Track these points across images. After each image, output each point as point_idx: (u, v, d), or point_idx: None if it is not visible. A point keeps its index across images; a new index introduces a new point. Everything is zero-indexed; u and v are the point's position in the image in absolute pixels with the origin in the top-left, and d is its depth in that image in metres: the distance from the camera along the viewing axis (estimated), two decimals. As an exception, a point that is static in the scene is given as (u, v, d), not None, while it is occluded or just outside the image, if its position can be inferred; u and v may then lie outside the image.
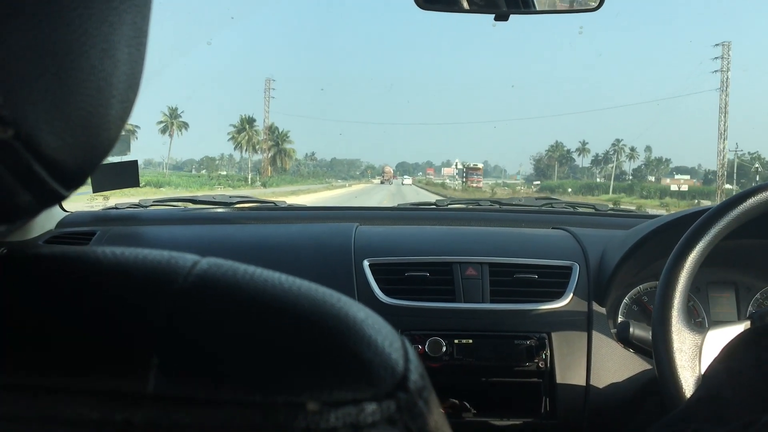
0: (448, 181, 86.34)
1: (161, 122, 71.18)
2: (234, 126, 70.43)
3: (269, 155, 69.84)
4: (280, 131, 71.38)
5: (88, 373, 0.27)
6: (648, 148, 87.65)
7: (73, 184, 0.32)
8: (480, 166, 73.07)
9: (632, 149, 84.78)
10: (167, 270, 0.31)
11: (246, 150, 70.10)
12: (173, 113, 71.29)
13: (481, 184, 63.84)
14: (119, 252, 0.32)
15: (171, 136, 71.07)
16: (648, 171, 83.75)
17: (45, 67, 0.26)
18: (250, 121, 69.73)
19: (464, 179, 54.17)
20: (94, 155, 0.32)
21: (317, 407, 0.26)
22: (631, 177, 79.36)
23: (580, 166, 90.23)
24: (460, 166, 65.78)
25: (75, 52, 0.27)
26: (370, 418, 0.27)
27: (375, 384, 0.28)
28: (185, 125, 71.57)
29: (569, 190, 57.49)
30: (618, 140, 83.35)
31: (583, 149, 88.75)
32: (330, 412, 0.26)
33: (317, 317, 0.29)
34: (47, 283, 0.30)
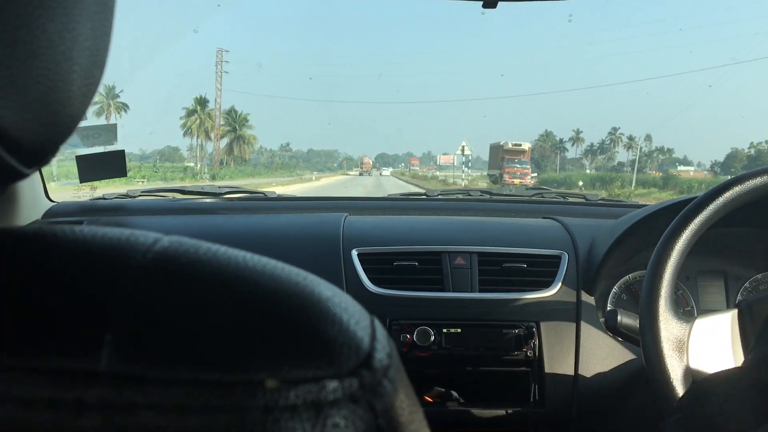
0: (438, 173, 67.24)
1: (96, 103, 56.37)
2: (186, 109, 58.62)
3: (221, 141, 57.48)
4: (238, 114, 60.70)
5: (40, 351, 0.26)
6: (648, 137, 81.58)
7: (34, 161, 0.31)
8: (526, 147, 38.83)
9: (630, 138, 77.95)
10: (126, 247, 0.30)
11: (198, 136, 57.73)
12: (110, 92, 57.05)
13: (528, 179, 35.59)
14: (78, 229, 0.31)
15: (108, 119, 56.26)
16: (649, 162, 77.77)
17: (0, 40, 0.26)
18: (203, 102, 57.60)
19: (499, 170, 35.46)
20: (56, 132, 0.31)
21: (276, 385, 0.26)
22: (629, 168, 70.65)
23: (575, 156, 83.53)
24: (468, 152, 40.06)
25: (32, 25, 0.27)
26: (332, 396, 0.27)
27: (337, 362, 0.27)
28: (125, 107, 58.79)
29: (580, 183, 42.49)
30: (615, 128, 78.89)
31: (577, 138, 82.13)
32: (289, 389, 0.26)
33: (279, 295, 0.29)
34: (1, 261, 0.29)
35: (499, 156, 36.88)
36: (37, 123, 0.29)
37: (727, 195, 1.04)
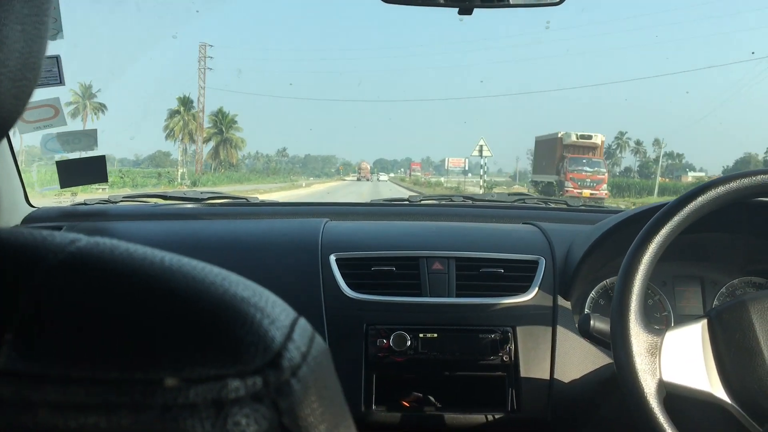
0: (442, 179, 60.68)
1: (71, 103, 49.35)
2: (170, 110, 53.31)
3: (207, 144, 52.37)
4: (225, 116, 55.66)
5: None
6: (657, 142, 75.55)
7: None
8: (599, 140, 26.72)
9: (638, 143, 72.14)
10: (40, 247, 0.30)
11: (181, 139, 52.23)
12: (86, 92, 50.99)
13: (603, 190, 23.96)
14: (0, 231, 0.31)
15: (84, 120, 51.29)
16: (658, 168, 70.91)
17: None
18: (187, 102, 51.87)
19: (555, 176, 25.24)
20: None
21: (175, 383, 0.26)
22: (636, 174, 66.00)
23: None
24: (487, 152, 25.87)
25: None
26: (233, 394, 0.26)
27: (241, 361, 0.27)
28: (102, 107, 53.14)
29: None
30: (622, 133, 73.16)
31: None
32: (190, 388, 0.26)
33: (189, 294, 0.29)
34: None
35: (556, 154, 25.64)
36: None
37: (697, 201, 1.05)
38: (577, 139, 25.41)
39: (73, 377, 0.26)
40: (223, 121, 55.16)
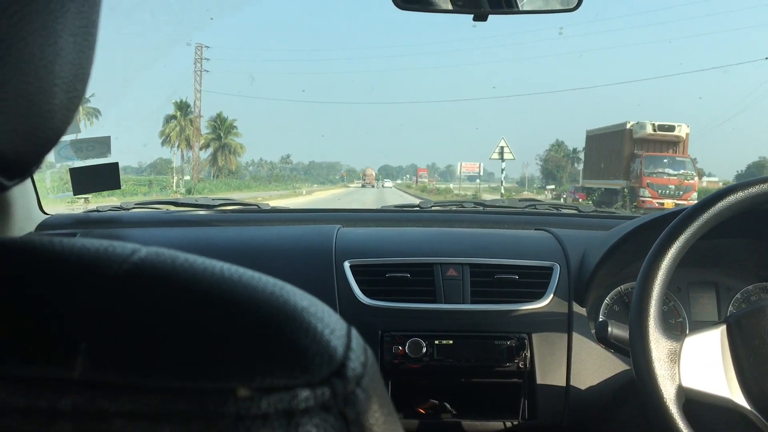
0: (452, 186, 55.74)
1: None
2: (167, 115, 51.20)
3: (205, 150, 50.41)
4: (224, 121, 53.29)
5: (13, 359, 0.26)
6: None
7: (17, 174, 0.32)
8: (683, 132, 18.83)
9: None
10: (103, 258, 0.30)
11: (178, 145, 49.96)
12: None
13: (692, 199, 15.00)
14: (57, 240, 0.32)
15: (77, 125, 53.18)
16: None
17: None
18: (184, 107, 49.44)
19: (625, 181, 18.67)
20: (38, 145, 0.32)
21: (248, 393, 0.26)
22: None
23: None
24: (509, 155, 21.90)
25: (12, 38, 0.27)
26: (303, 404, 0.27)
27: (309, 371, 0.28)
28: (96, 112, 51.13)
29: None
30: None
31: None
32: (261, 398, 0.26)
33: (253, 305, 0.30)
34: None
35: (623, 151, 19.63)
36: (19, 136, 0.29)
37: (716, 207, 1.05)
38: (654, 131, 19.07)
39: (147, 387, 0.26)
40: (221, 127, 53.01)
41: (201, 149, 51.26)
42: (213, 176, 52.62)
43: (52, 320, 0.27)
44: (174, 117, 49.79)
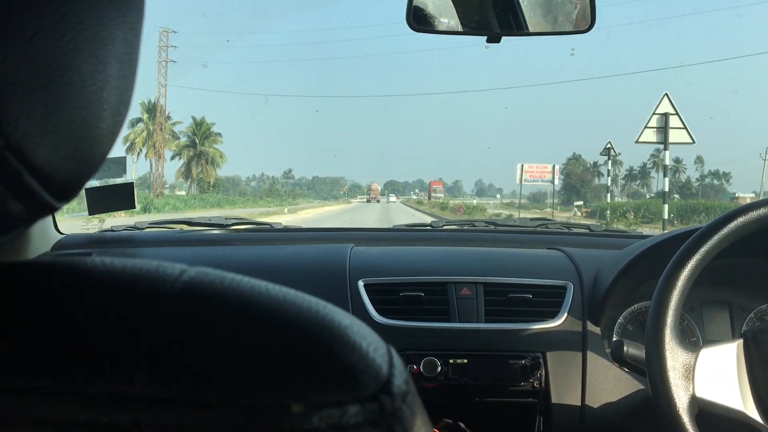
0: (459, 202, 52.53)
1: None
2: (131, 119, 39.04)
3: (176, 158, 44.72)
4: (200, 125, 47.05)
5: (76, 376, 0.27)
6: (699, 159, 70.11)
7: (65, 195, 0.33)
8: None
9: (677, 161, 66.56)
10: (155, 277, 0.31)
11: (146, 154, 43.89)
12: None
13: None
14: (108, 261, 0.33)
15: None
16: (700, 188, 66.06)
17: (37, 80, 0.27)
18: (151, 109, 42.39)
19: None
20: (86, 168, 0.33)
21: (302, 409, 0.27)
22: (677, 195, 57.26)
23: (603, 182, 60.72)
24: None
25: (66, 66, 0.28)
26: (353, 420, 0.27)
27: (358, 387, 0.28)
28: None
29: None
30: (658, 150, 59.56)
31: (614, 161, 56.12)
32: (313, 413, 0.27)
33: (302, 323, 0.30)
34: (37, 291, 0.31)
35: None
36: (69, 159, 0.31)
37: (731, 226, 1.05)
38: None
39: (205, 402, 0.27)
40: (197, 131, 45.91)
41: (172, 158, 45.28)
42: (188, 189, 46.20)
43: (112, 338, 0.28)
44: (140, 120, 43.42)
